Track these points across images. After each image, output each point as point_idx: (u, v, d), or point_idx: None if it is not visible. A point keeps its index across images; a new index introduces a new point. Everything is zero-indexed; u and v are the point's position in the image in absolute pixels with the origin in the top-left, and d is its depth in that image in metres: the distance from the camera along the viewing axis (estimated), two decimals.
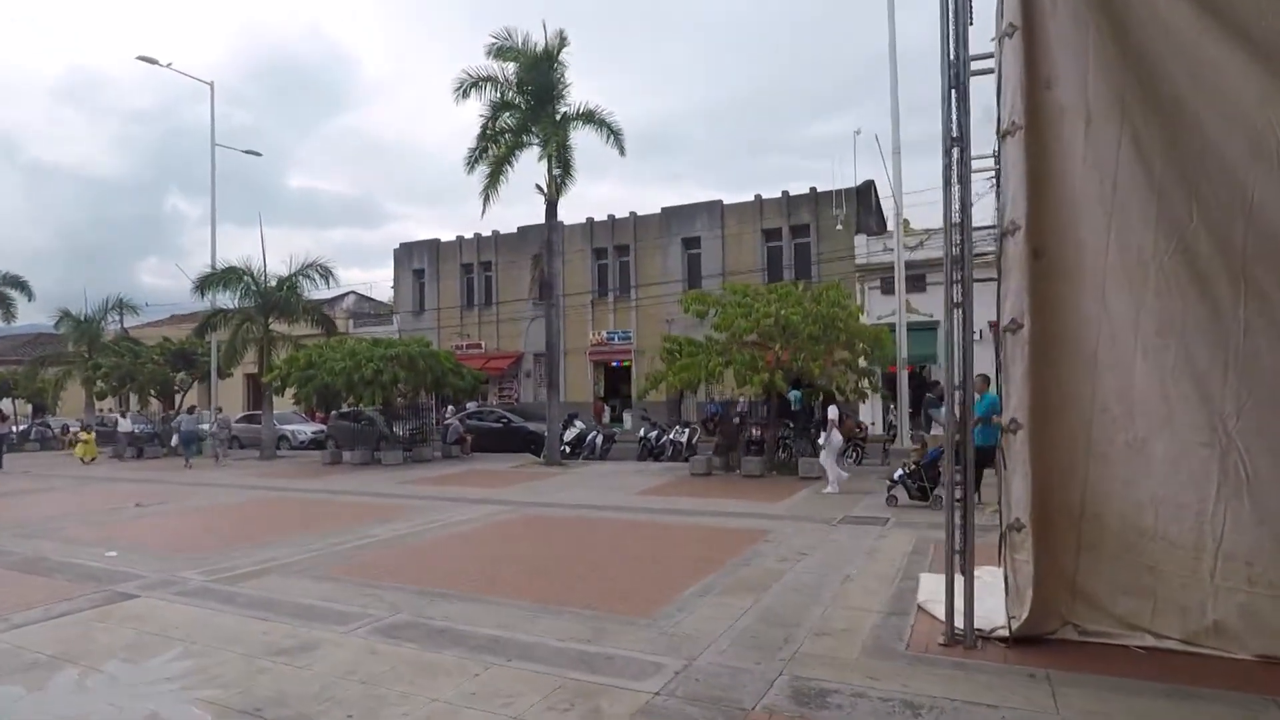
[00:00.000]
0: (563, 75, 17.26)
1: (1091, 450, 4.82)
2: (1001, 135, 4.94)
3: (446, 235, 34.09)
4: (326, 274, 22.58)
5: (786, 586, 6.31)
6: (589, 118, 18.07)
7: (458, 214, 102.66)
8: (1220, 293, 4.50)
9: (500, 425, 22.41)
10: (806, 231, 26.85)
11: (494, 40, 16.93)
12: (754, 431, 16.53)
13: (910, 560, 7.23)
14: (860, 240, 25.79)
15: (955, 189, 5.06)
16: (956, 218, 5.06)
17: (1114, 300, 4.75)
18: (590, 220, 30.11)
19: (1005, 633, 4.87)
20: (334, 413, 25.50)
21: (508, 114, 17.68)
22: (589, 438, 19.79)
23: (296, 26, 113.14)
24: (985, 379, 11.18)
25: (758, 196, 27.63)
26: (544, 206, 18.46)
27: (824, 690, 4.14)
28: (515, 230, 31.76)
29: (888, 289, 22.99)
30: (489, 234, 32.36)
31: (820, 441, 12.13)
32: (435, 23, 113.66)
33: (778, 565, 7.10)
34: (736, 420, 16.31)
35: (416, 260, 34.12)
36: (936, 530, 8.32)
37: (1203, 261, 4.54)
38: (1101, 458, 4.80)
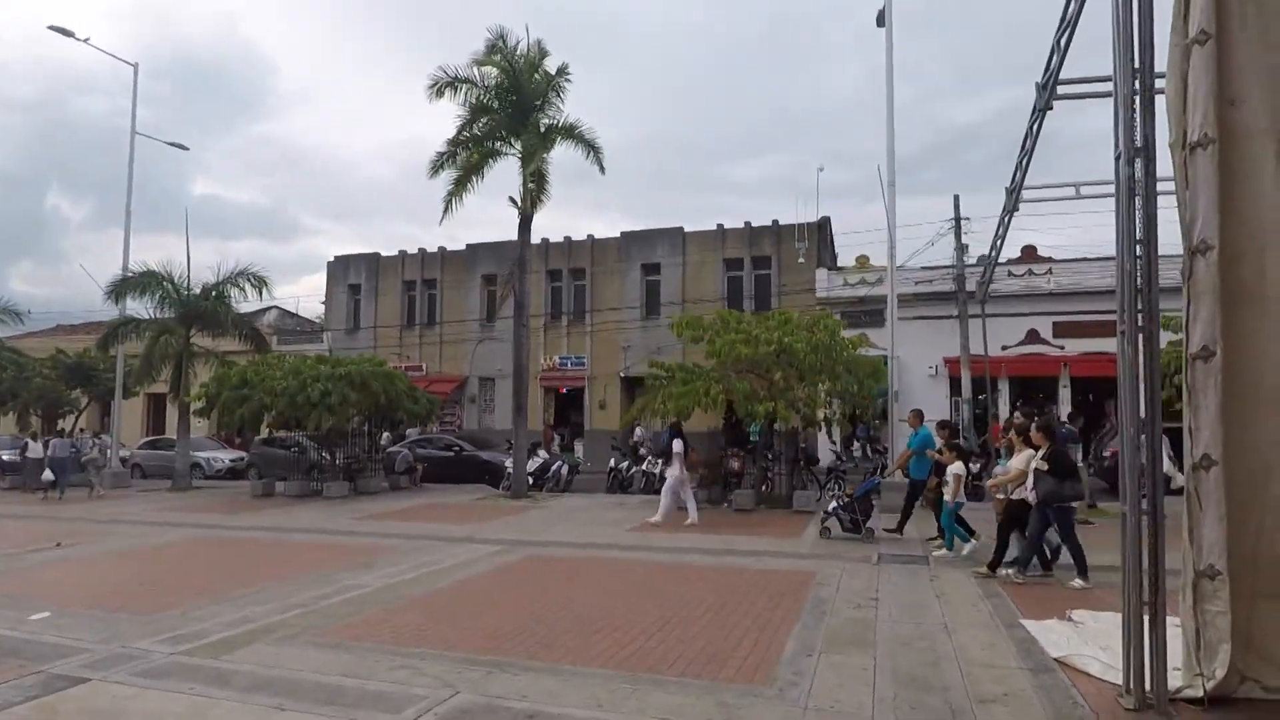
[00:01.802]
0: (548, 85, 16.35)
1: (1270, 492, 4.33)
2: (1190, 148, 4.41)
3: (387, 250, 32.22)
4: (260, 284, 20.66)
5: (892, 640, 5.57)
6: (569, 132, 17.25)
7: (381, 231, 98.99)
8: None
9: (451, 454, 20.90)
10: (768, 263, 26.71)
11: (488, 37, 15.92)
12: (733, 464, 15.87)
13: (991, 604, 6.69)
14: (821, 274, 25.80)
15: (1139, 201, 4.44)
16: (1140, 234, 4.44)
17: None
18: (546, 241, 29.08)
19: (1193, 692, 4.29)
20: (257, 439, 23.27)
21: (485, 119, 16.59)
22: (553, 468, 18.56)
23: (213, 23, 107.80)
24: (919, 414, 11.06)
25: (720, 226, 27.38)
26: (516, 221, 17.48)
27: None
28: (464, 248, 30.38)
29: (850, 323, 23.02)
30: (435, 250, 30.83)
31: (671, 473, 11.83)
32: (363, 34, 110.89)
33: (857, 614, 6.35)
34: (721, 452, 15.58)
35: (353, 275, 32.11)
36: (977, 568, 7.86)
37: None
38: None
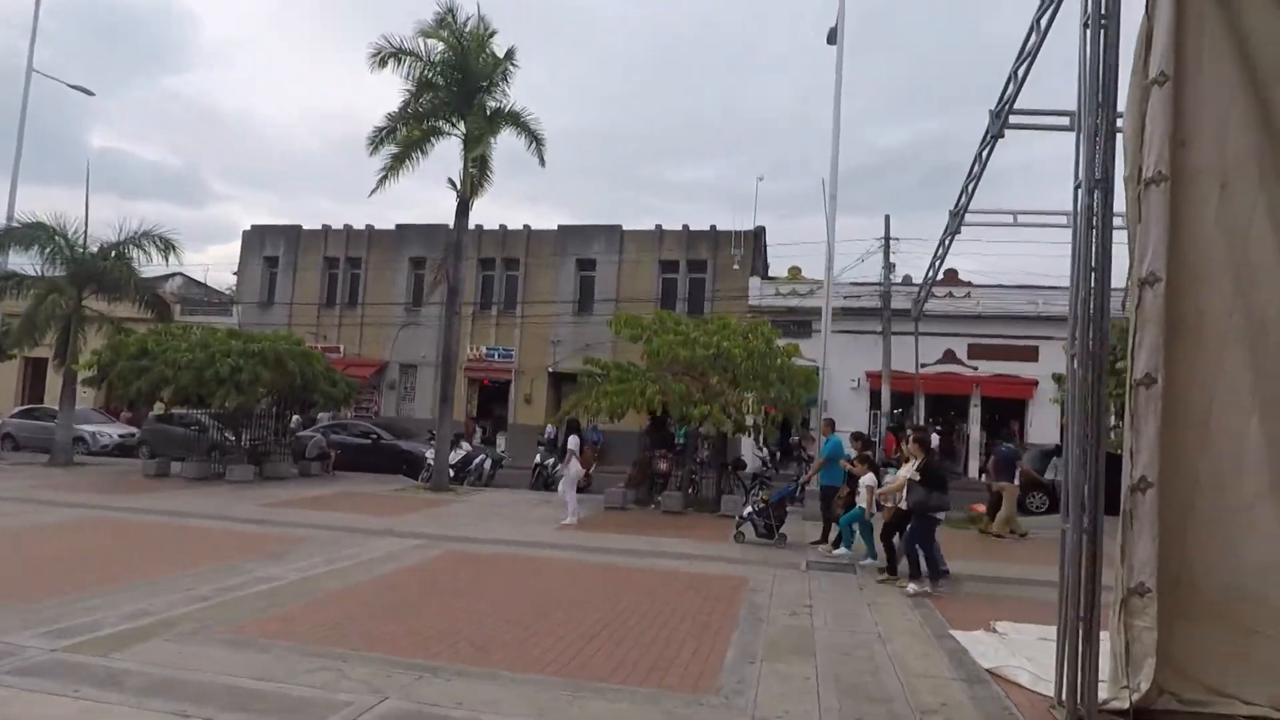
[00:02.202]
0: (495, 67, 15.88)
1: (1195, 515, 4.60)
2: (1145, 183, 4.57)
3: (310, 223, 30.74)
4: (168, 248, 19.22)
5: (831, 649, 5.61)
6: (514, 119, 16.80)
7: (301, 204, 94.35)
8: None
9: (368, 441, 20.05)
10: (703, 267, 26.89)
11: (437, 10, 15.28)
12: (661, 465, 15.86)
13: (920, 613, 6.86)
14: (755, 282, 26.15)
15: (1096, 234, 4.57)
16: (1095, 262, 4.58)
17: (1232, 363, 4.61)
18: (480, 229, 28.35)
19: (1119, 704, 4.46)
20: (151, 414, 21.71)
21: (429, 95, 15.97)
22: (476, 461, 18.08)
23: None
24: (831, 423, 11.39)
25: (658, 227, 27.41)
26: (448, 204, 16.94)
27: None
28: (393, 228, 29.33)
29: (780, 333, 23.42)
30: (361, 228, 29.64)
31: (567, 471, 11.90)
32: None
33: (794, 621, 6.39)
34: (650, 453, 15.54)
35: (270, 247, 30.48)
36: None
37: None
38: (1205, 523, 4.63)
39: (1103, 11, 4.67)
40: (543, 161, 17.29)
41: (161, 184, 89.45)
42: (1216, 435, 4.52)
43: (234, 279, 32.23)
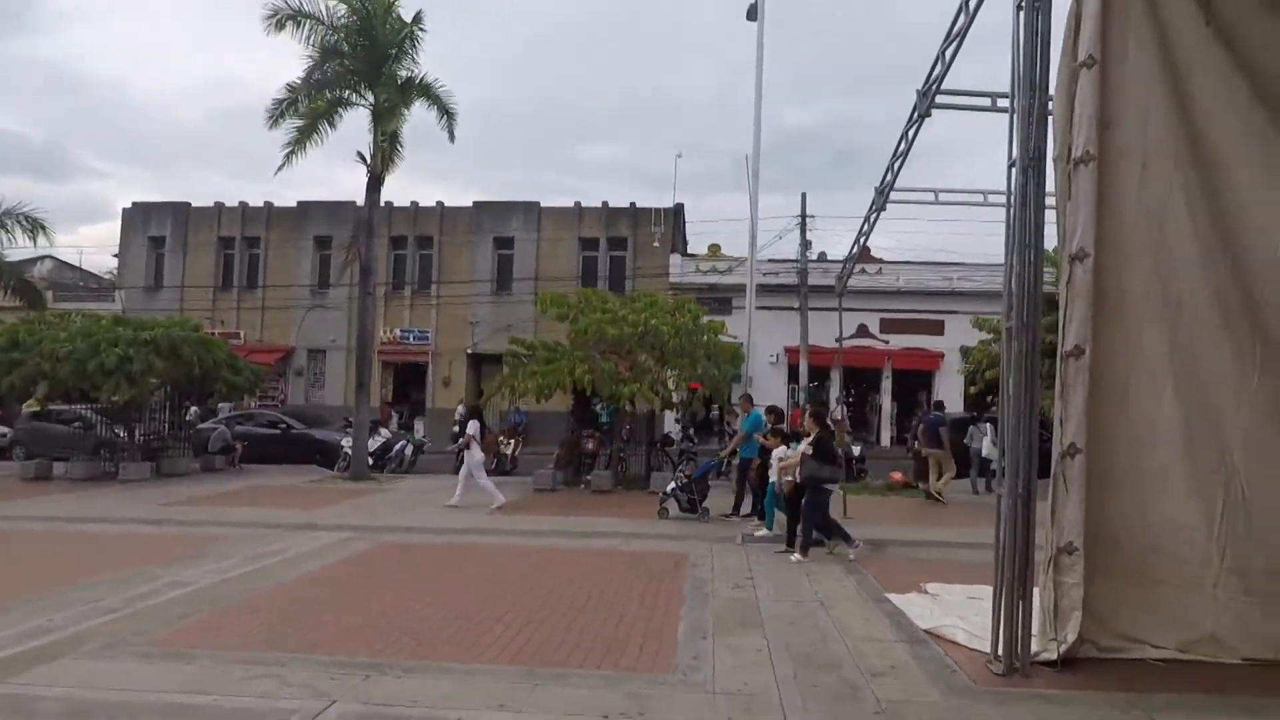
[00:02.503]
0: (402, 33, 15.12)
1: (1114, 478, 4.89)
2: (1074, 163, 4.77)
3: (200, 200, 28.75)
4: (35, 227, 17.60)
5: (778, 620, 5.72)
6: (426, 90, 16.10)
7: (186, 181, 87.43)
8: (1241, 337, 4.86)
9: (277, 431, 19.03)
10: (624, 245, 26.81)
11: None
12: (589, 445, 15.80)
13: (854, 579, 7.09)
14: (675, 259, 26.27)
15: (1030, 212, 4.74)
16: (1029, 239, 4.75)
17: (1151, 336, 4.91)
18: (390, 205, 27.20)
19: (1049, 656, 4.72)
20: (26, 410, 19.87)
21: (334, 63, 15.07)
22: (396, 448, 17.47)
23: None
24: (749, 399, 11.75)
25: (577, 204, 27.13)
26: (351, 181, 16.12)
27: None
28: (295, 205, 27.79)
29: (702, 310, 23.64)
30: (260, 205, 27.94)
31: (470, 457, 11.41)
32: None
33: (738, 594, 6.49)
34: (577, 433, 15.43)
35: (156, 226, 28.35)
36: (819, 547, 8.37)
37: (1229, 308, 4.89)
38: (1123, 484, 4.96)
39: None
40: (452, 137, 16.73)
41: (18, 157, 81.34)
42: (1134, 405, 4.81)
43: (114, 261, 29.86)
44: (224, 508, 11.23)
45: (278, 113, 15.55)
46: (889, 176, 8.61)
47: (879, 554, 8.27)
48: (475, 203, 27.59)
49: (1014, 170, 4.89)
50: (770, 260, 26.57)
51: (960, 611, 5.85)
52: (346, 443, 17.20)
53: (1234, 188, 4.79)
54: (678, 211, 27.74)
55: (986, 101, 7.32)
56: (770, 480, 9.53)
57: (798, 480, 8.25)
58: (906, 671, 4.62)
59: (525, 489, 13.77)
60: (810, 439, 8.16)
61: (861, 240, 10.16)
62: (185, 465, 16.20)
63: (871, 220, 9.65)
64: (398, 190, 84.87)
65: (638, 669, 4.58)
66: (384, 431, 18.23)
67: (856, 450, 16.62)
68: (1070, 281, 4.75)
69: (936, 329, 25.58)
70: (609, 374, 12.46)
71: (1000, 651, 4.66)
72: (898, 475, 14.76)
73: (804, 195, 26.94)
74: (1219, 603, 4.82)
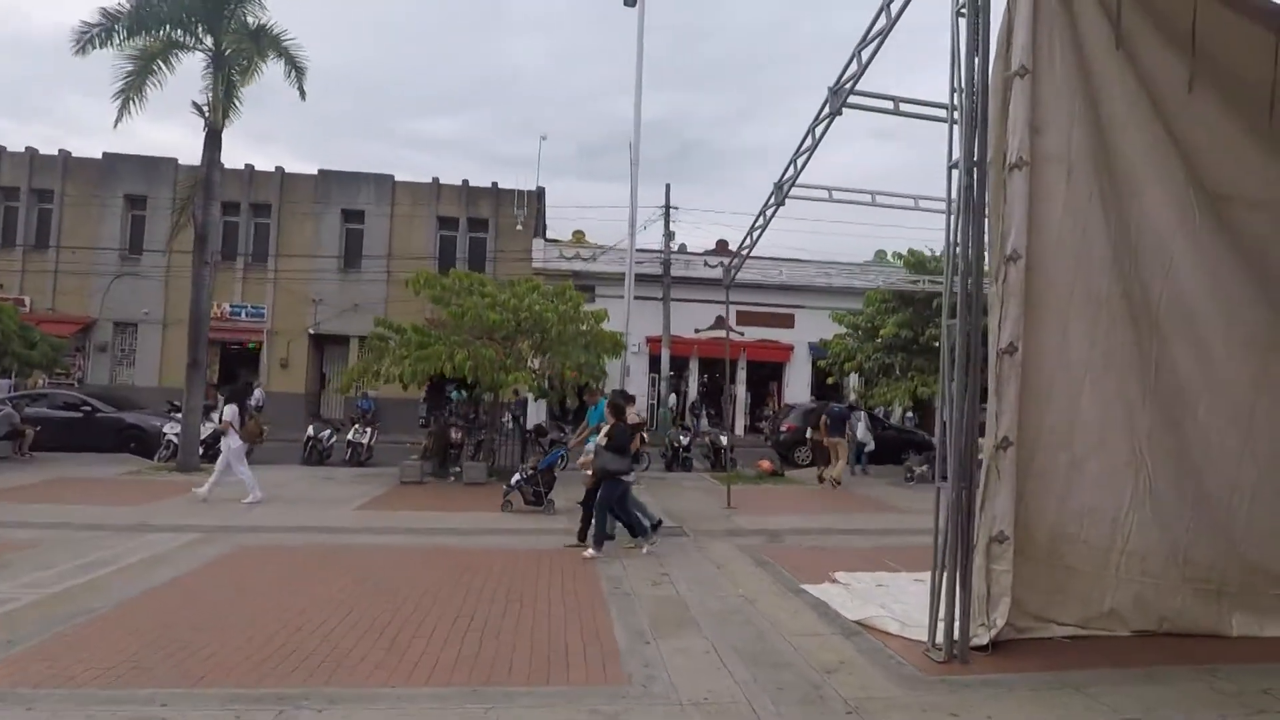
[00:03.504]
0: None
1: (1034, 468, 5.19)
2: (1009, 168, 4.99)
3: (37, 141, 24.21)
4: None
5: (710, 618, 5.60)
6: (274, 43, 14.43)
7: None
8: (1144, 334, 5.29)
9: (79, 415, 16.39)
10: (485, 226, 25.77)
11: None
12: (454, 435, 15.04)
13: (766, 571, 7.13)
14: (538, 244, 25.65)
15: (973, 214, 4.90)
16: (959, 238, 4.91)
17: (1072, 333, 5.23)
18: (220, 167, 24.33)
19: (979, 640, 4.93)
20: None
21: None
22: None
23: None
24: (598, 388, 11.82)
25: (435, 180, 25.64)
26: (202, 133, 14.20)
27: None
28: (100, 156, 24.13)
29: None
30: (54, 153, 24.00)
31: (227, 444, 10.42)
32: None
33: (660, 592, 6.32)
34: (443, 422, 14.61)
35: None
36: (731, 539, 8.46)
37: (1135, 307, 5.29)
38: (1043, 476, 5.25)
39: (978, 3, 4.95)
40: (303, 93, 15.13)
41: None
42: (1057, 399, 5.12)
43: None
44: (23, 504, 9.41)
45: (87, 38, 13.32)
46: (790, 171, 8.73)
47: (778, 544, 8.43)
48: (321, 170, 25.30)
49: (956, 172, 5.04)
50: (637, 250, 26.70)
51: (879, 600, 6.03)
52: (170, 429, 15.20)
53: (1137, 196, 5.23)
54: (540, 195, 27.09)
55: (890, 105, 7.60)
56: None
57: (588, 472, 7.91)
58: (856, 666, 4.63)
59: (389, 480, 12.80)
60: (605, 431, 7.80)
61: (756, 235, 10.30)
62: None
63: (768, 215, 9.78)
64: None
65: (590, 681, 4.24)
66: (214, 417, 16.24)
67: (724, 440, 17.04)
68: (1005, 281, 4.96)
69: (787, 322, 26.90)
70: (490, 361, 11.79)
71: (939, 640, 4.81)
72: (766, 464, 15.28)
73: (667, 186, 27.36)
74: (1119, 583, 5.27)
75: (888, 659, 4.76)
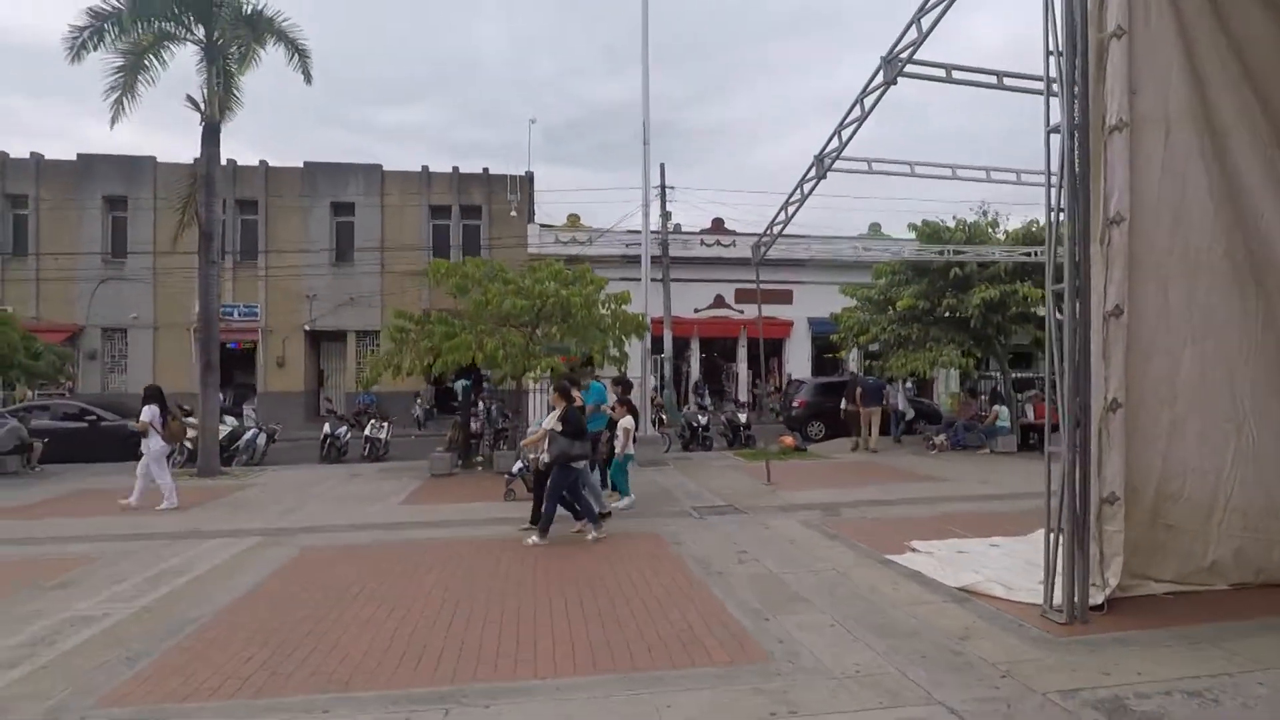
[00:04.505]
0: None
1: (1139, 429, 5.23)
2: (1108, 130, 5.00)
3: None
4: None
5: (816, 592, 5.62)
6: (271, 27, 14.01)
7: None
8: (1245, 293, 5.35)
9: (85, 424, 15.97)
10: (478, 213, 25.42)
11: None
12: (474, 426, 14.95)
13: (836, 543, 7.17)
14: (534, 229, 25.38)
15: (1063, 177, 4.89)
16: (1061, 203, 4.90)
17: (1173, 293, 5.27)
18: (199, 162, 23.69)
19: (1094, 600, 4.97)
20: None
21: None
22: (247, 437, 15.34)
23: None
24: (593, 370, 11.71)
25: (425, 168, 25.21)
26: (200, 128, 13.77)
27: (1114, 699, 3.69)
28: (75, 158, 23.37)
29: None
30: (26, 155, 23.18)
31: (150, 446, 9.85)
32: None
33: (751, 569, 6.32)
34: (466, 414, 14.47)
35: None
36: (787, 514, 8.51)
37: (1236, 266, 5.36)
38: (1146, 435, 5.29)
39: None
40: (308, 78, 14.73)
41: None
42: (1158, 359, 5.16)
43: None
44: (61, 518, 9.15)
45: (79, 43, 12.85)
46: (834, 143, 8.67)
47: (836, 517, 8.46)
48: (306, 163, 24.72)
49: (1056, 137, 5.02)
50: (629, 231, 26.52)
51: (970, 566, 6.09)
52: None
53: (1230, 155, 5.26)
54: (530, 180, 26.77)
55: (942, 73, 7.56)
56: (615, 452, 9.32)
57: (544, 458, 7.62)
58: (984, 631, 4.67)
59: (418, 474, 12.65)
60: (558, 414, 7.58)
61: (792, 210, 10.22)
62: None
63: (805, 190, 9.71)
64: (182, 147, 74.77)
65: (734, 660, 4.23)
66: (229, 420, 15.95)
67: (743, 418, 17.10)
68: (1110, 245, 4.98)
69: (786, 298, 26.95)
70: (520, 348, 11.65)
71: (1055, 601, 4.86)
72: (788, 440, 15.37)
73: (662, 166, 27.12)
74: (1221, 538, 5.36)
75: (1009, 623, 4.81)
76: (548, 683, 3.94)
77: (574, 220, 26.40)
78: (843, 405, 16.11)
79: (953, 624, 4.79)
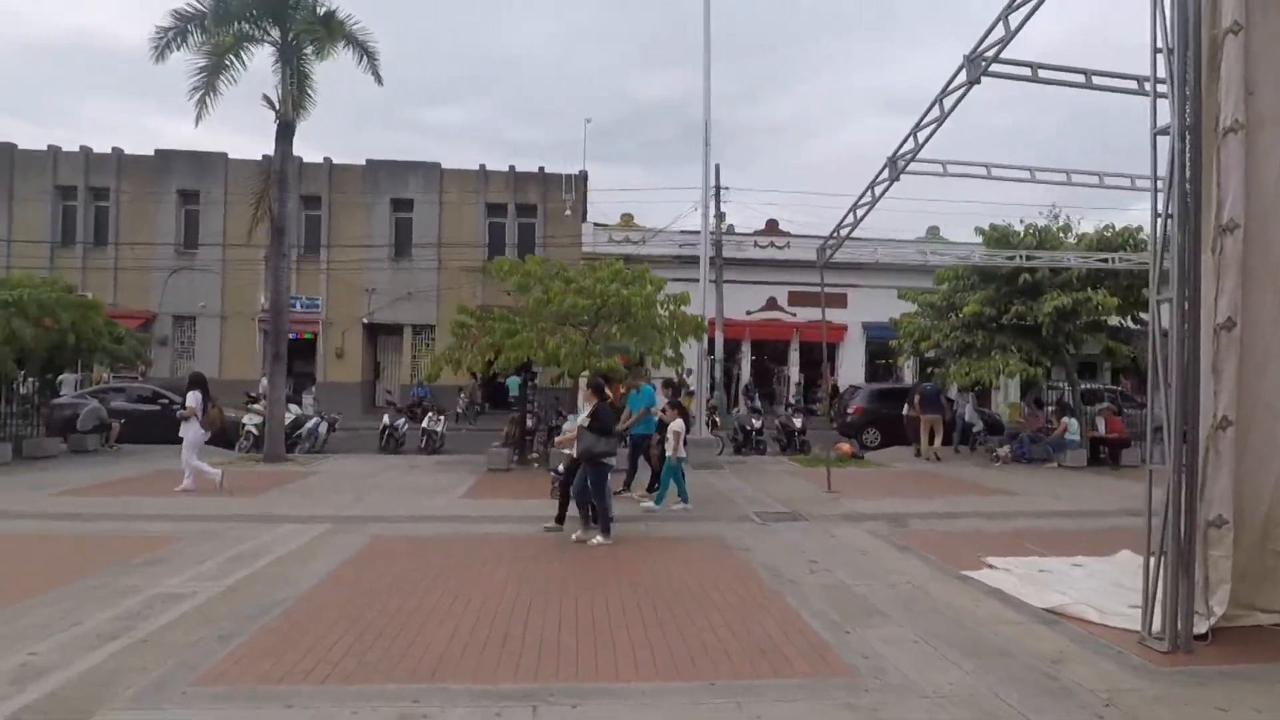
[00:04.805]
0: None
1: (1249, 449, 4.93)
2: (1222, 132, 4.73)
3: (28, 141, 24.48)
4: None
5: (893, 605, 5.49)
6: (341, 29, 14.34)
7: None
8: None
9: (158, 408, 16.57)
10: (533, 212, 25.65)
11: None
12: (529, 423, 15.10)
13: (908, 556, 7.00)
14: (588, 228, 25.49)
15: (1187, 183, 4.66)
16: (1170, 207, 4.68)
17: None
18: (268, 158, 24.43)
19: (1198, 629, 4.72)
20: None
21: None
22: (309, 425, 15.75)
23: None
24: (643, 373, 11.55)
25: (482, 167, 25.55)
26: (274, 126, 14.18)
27: None
28: (153, 153, 24.31)
29: None
30: (109, 150, 24.20)
31: (188, 432, 10.24)
32: None
33: (821, 579, 6.20)
34: (522, 410, 14.62)
35: None
36: (853, 523, 8.35)
37: None
38: (1257, 456, 4.97)
39: None
40: (379, 79, 15.07)
41: None
42: (1273, 375, 4.87)
43: None
44: (141, 497, 9.53)
45: (164, 42, 13.40)
46: (910, 144, 8.48)
47: (903, 528, 8.28)
48: (369, 161, 25.27)
49: (1166, 139, 4.80)
50: (682, 232, 26.46)
51: (1054, 587, 5.87)
52: (249, 420, 15.37)
53: None
54: (583, 179, 26.90)
55: (1028, 71, 7.33)
56: (667, 454, 9.26)
57: (574, 455, 7.59)
58: (1078, 656, 4.47)
59: (474, 468, 12.80)
60: (589, 411, 7.53)
61: (860, 212, 10.04)
62: (52, 447, 13.77)
63: (877, 192, 9.53)
64: (249, 145, 77.22)
65: (817, 673, 4.14)
66: (293, 408, 16.39)
67: (798, 422, 16.89)
68: (1222, 253, 4.74)
69: (840, 302, 26.53)
70: (580, 346, 11.71)
71: (1156, 628, 4.63)
72: (846, 446, 15.12)
73: (716, 166, 26.93)
74: None
75: (1104, 648, 4.60)
76: (633, 686, 3.91)
77: (628, 220, 26.45)
78: (905, 410, 15.86)
79: (1044, 646, 4.61)
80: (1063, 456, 13.99)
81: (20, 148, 24.12)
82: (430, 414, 16.37)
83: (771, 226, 27.46)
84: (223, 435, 15.65)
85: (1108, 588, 5.84)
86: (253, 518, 8.33)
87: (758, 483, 11.56)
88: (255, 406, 15.96)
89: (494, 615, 5.04)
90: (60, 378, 15.52)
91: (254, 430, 15.00)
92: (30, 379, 14.60)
